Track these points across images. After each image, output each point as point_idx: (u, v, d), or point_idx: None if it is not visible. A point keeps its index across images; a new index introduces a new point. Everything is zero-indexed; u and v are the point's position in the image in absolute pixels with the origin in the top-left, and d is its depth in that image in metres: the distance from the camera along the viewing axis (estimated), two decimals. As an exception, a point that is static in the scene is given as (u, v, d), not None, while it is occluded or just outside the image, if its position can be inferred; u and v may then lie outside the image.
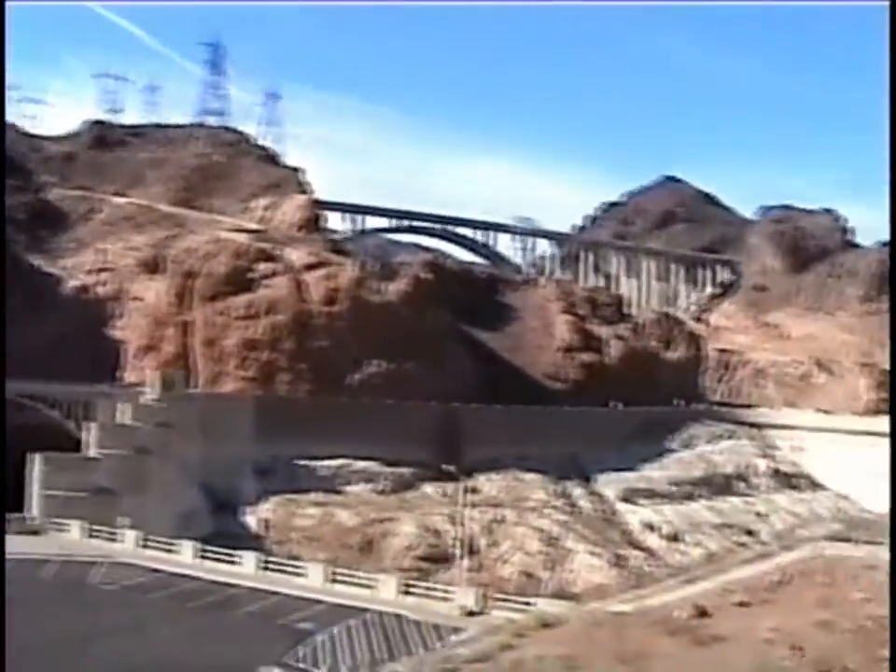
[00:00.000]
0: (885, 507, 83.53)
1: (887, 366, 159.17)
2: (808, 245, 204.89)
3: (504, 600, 46.84)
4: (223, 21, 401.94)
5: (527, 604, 44.61)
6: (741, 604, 37.00)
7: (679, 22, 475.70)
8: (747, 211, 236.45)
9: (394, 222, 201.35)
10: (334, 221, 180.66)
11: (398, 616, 44.37)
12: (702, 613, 35.01)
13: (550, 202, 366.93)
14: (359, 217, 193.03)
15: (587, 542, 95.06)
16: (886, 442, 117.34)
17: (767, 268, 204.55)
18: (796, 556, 45.31)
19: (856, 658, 26.83)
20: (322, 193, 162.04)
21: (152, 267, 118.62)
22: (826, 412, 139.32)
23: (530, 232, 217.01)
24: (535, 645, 30.79)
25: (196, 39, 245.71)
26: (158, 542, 59.25)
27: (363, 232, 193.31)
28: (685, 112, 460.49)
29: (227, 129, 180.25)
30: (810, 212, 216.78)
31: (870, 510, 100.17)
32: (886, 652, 27.87)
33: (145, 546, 58.85)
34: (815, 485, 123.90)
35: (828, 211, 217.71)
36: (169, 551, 58.14)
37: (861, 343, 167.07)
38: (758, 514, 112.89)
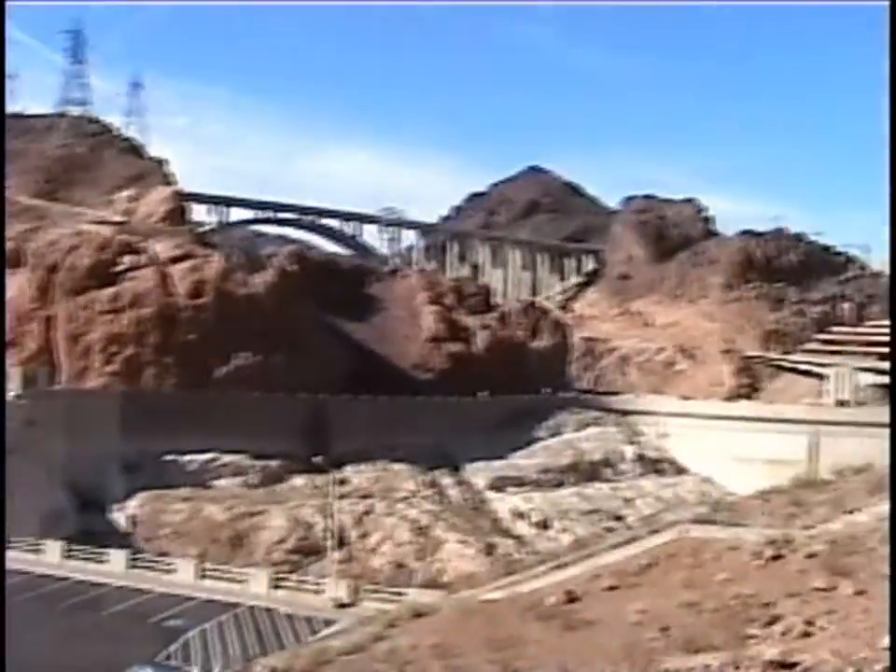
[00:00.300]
0: (747, 489, 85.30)
1: (748, 352, 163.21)
2: (671, 235, 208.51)
3: (376, 591, 46.94)
4: (86, 8, 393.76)
5: (399, 594, 44.75)
6: (610, 588, 37.53)
7: (545, 17, 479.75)
8: (610, 201, 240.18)
9: (260, 214, 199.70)
10: (200, 213, 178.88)
11: (269, 610, 44.19)
12: (572, 598, 35.44)
13: (416, 193, 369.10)
14: (225, 209, 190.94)
15: (457, 531, 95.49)
16: (747, 426, 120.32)
17: (631, 257, 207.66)
18: (662, 540, 46.00)
19: (721, 637, 27.40)
20: (187, 185, 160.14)
21: (13, 261, 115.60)
22: (689, 398, 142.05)
23: (396, 223, 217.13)
24: (407, 635, 30.88)
25: (58, 27, 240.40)
26: (23, 543, 58.00)
27: (229, 224, 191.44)
28: (551, 104, 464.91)
29: (89, 119, 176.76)
30: (672, 202, 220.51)
31: (733, 492, 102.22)
32: (751, 630, 28.56)
33: (9, 548, 57.53)
34: (680, 470, 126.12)
35: (689, 201, 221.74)
36: (35, 551, 56.95)
37: (723, 330, 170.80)
38: (625, 500, 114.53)
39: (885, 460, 78.26)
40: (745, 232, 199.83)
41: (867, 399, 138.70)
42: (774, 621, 29.65)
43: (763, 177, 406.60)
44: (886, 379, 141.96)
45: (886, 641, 25.22)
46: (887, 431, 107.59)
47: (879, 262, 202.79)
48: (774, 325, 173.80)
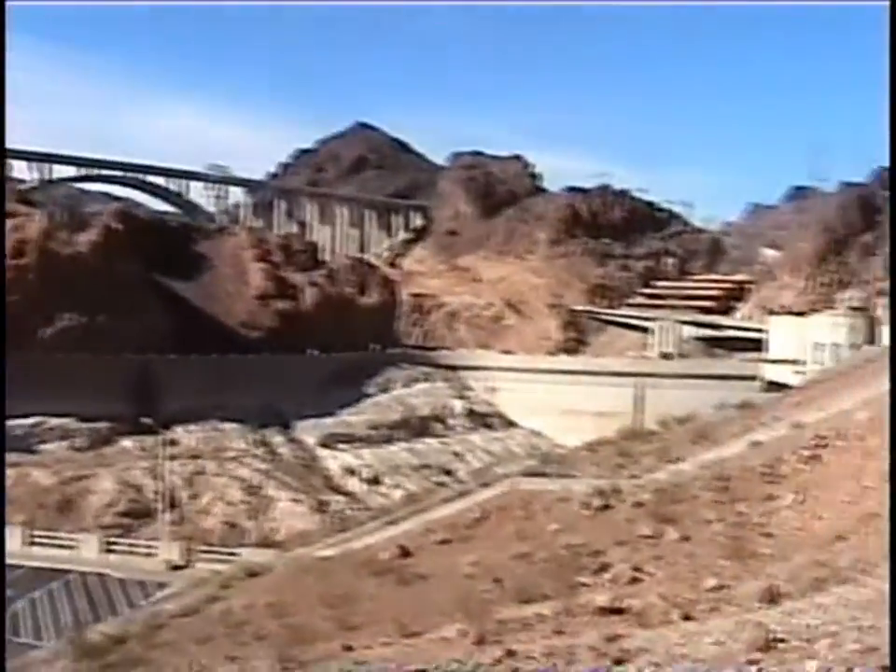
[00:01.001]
0: (575, 441, 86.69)
1: (575, 307, 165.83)
2: (498, 191, 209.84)
3: (209, 552, 46.55)
4: None
5: (232, 554, 44.42)
6: (442, 542, 37.84)
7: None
8: (438, 157, 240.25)
9: (83, 171, 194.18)
10: (20, 170, 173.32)
11: (101, 575, 43.40)
12: (405, 553, 35.62)
13: (242, 150, 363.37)
14: (47, 166, 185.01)
15: (289, 489, 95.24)
16: (574, 380, 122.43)
17: (458, 213, 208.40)
18: (493, 493, 46.54)
19: (553, 586, 27.85)
20: (6, 141, 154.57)
21: None
22: (517, 353, 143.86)
23: (223, 180, 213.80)
24: (242, 595, 30.65)
25: None
26: None
27: (51, 182, 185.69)
28: (377, 59, 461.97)
29: None
30: (499, 158, 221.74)
31: (562, 445, 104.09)
32: (581, 578, 29.14)
33: None
34: (509, 424, 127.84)
35: (516, 157, 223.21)
36: None
37: (550, 285, 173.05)
38: (455, 454, 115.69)
39: (707, 410, 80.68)
40: (571, 189, 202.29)
41: (690, 352, 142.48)
42: (603, 568, 30.31)
43: (589, 134, 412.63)
44: (708, 332, 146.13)
45: (710, 582, 26.00)
46: (709, 382, 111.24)
47: (700, 219, 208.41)
48: (599, 280, 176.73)
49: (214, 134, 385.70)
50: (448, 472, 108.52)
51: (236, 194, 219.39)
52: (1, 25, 42.30)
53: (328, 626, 25.20)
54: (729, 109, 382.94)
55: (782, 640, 13.10)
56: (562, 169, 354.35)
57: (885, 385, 53.73)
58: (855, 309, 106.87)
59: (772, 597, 19.40)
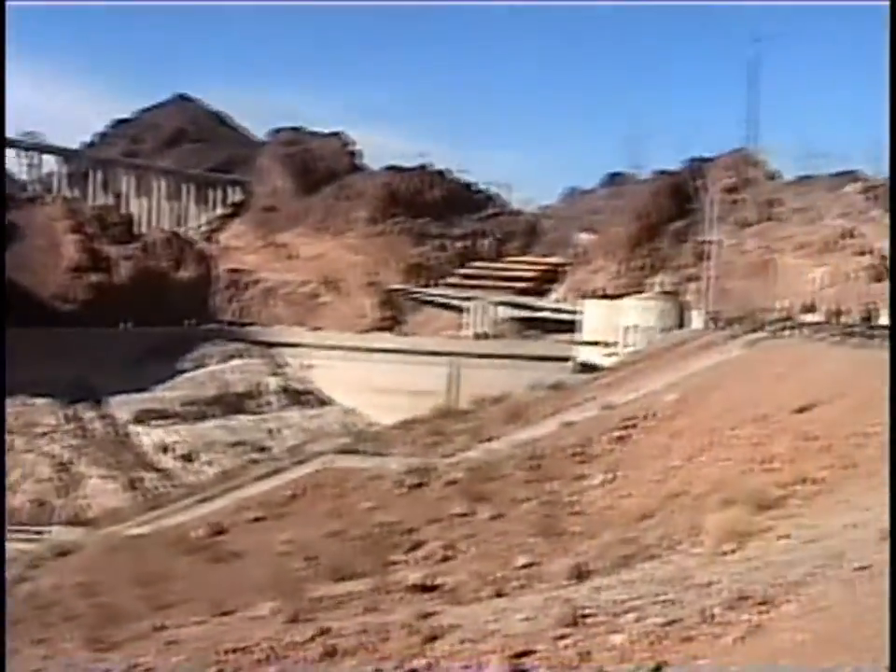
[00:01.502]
0: (390, 419, 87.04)
1: (391, 285, 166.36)
2: (317, 168, 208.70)
3: (17, 531, 45.30)
4: None
5: (41, 532, 43.38)
6: (256, 519, 37.69)
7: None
8: (258, 132, 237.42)
9: None
10: None
11: None
12: (218, 531, 35.36)
13: (58, 117, 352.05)
14: None
15: (100, 466, 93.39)
16: (389, 358, 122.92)
17: (277, 189, 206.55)
18: (308, 470, 46.53)
19: (367, 563, 28.04)
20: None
21: None
22: (332, 330, 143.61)
23: (36, 148, 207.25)
24: (51, 574, 30.00)
25: None
26: None
27: None
28: (199, 30, 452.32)
29: None
30: (319, 134, 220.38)
31: (376, 422, 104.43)
32: (395, 556, 29.39)
33: None
34: (324, 401, 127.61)
35: (336, 134, 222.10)
36: None
37: (367, 264, 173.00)
38: (270, 431, 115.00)
39: (520, 390, 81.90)
40: (391, 168, 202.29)
41: (504, 332, 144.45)
42: (416, 546, 30.65)
43: (410, 114, 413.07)
44: (522, 313, 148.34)
45: (521, 560, 26.49)
46: (523, 363, 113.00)
47: (518, 201, 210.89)
48: (416, 259, 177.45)
49: (27, 101, 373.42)
50: (263, 449, 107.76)
51: (50, 163, 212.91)
52: (1, 25, 41.55)
53: (139, 606, 24.88)
54: (550, 96, 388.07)
55: (589, 615, 13.47)
56: (383, 147, 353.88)
57: (690, 368, 55.58)
58: (665, 293, 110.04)
59: (581, 574, 19.88)
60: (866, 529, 15.79)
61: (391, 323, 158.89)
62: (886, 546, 13.49)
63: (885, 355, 38.11)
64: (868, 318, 56.36)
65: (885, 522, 14.67)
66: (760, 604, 12.60)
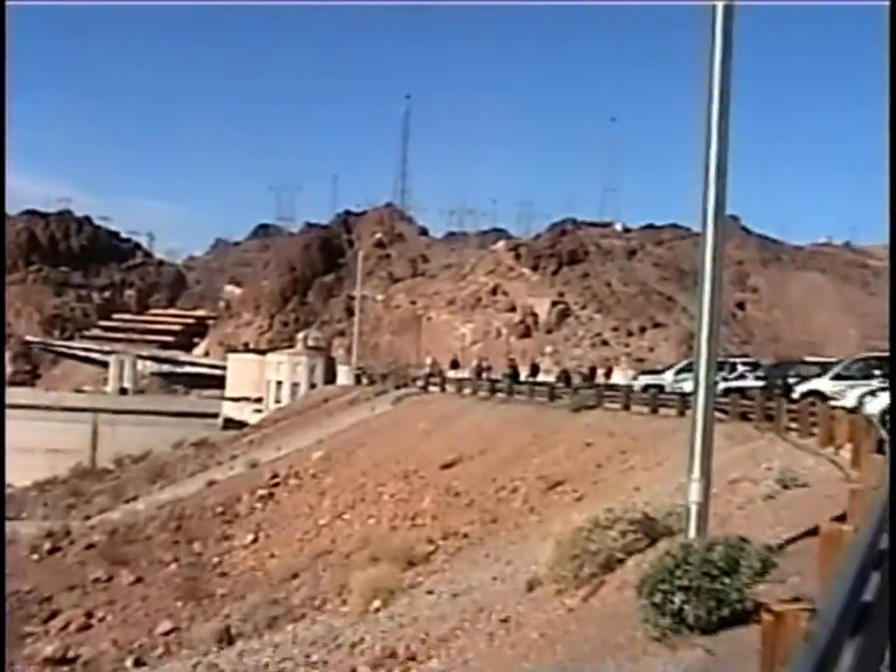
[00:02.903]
0: (26, 480, 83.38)
1: (29, 337, 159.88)
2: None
3: None
4: None
5: None
6: None
7: None
8: None
9: None
10: None
11: None
12: None
13: None
14: None
15: None
16: (26, 414, 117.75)
17: None
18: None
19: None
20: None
21: None
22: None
23: None
24: None
25: None
26: None
27: None
28: None
29: None
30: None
31: (11, 484, 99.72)
32: (29, 627, 27.89)
33: None
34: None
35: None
36: None
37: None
38: None
39: (165, 448, 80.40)
40: (29, 212, 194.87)
41: (148, 388, 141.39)
42: (52, 615, 29.30)
43: (54, 157, 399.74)
44: (167, 367, 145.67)
45: (165, 625, 25.78)
46: (168, 419, 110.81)
47: (164, 251, 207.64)
48: (56, 310, 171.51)
49: None
50: None
51: None
52: (1, 25, 37.99)
53: None
54: (199, 142, 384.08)
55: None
56: (20, 191, 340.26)
57: (338, 425, 55.97)
58: (314, 348, 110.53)
59: (227, 638, 19.57)
60: (508, 582, 16.23)
61: (28, 377, 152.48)
62: (527, 598, 13.91)
63: (527, 409, 39.80)
64: (513, 375, 58.45)
65: (528, 574, 15.10)
66: (406, 660, 12.73)
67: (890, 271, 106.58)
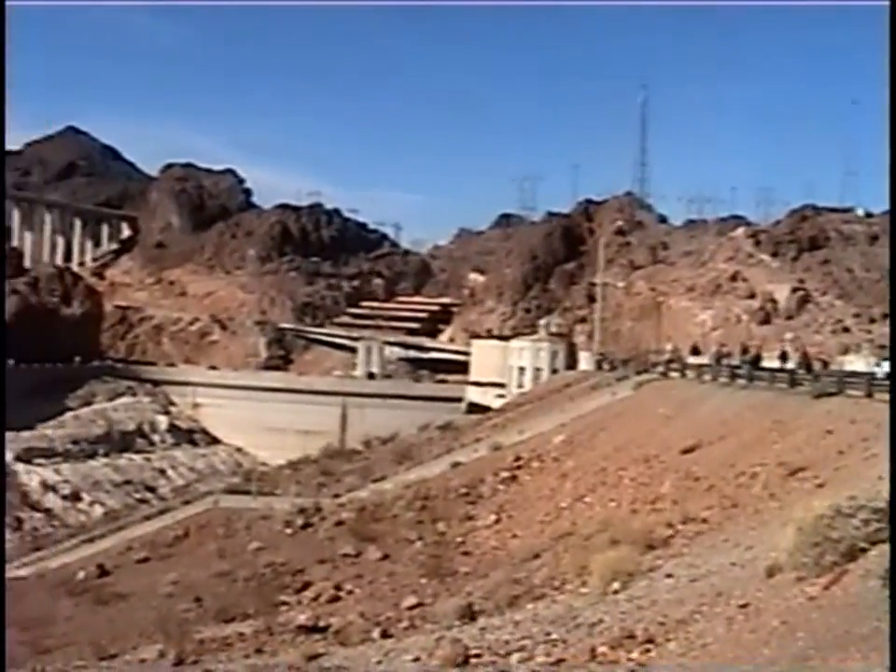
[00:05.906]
0: (279, 459, 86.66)
1: (282, 324, 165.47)
2: (209, 205, 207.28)
3: None
4: None
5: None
6: (142, 560, 37.21)
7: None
8: (150, 168, 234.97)
9: None
10: None
11: None
12: (103, 572, 34.84)
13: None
14: None
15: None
16: (279, 397, 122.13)
17: (168, 225, 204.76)
18: (195, 510, 46.10)
19: (254, 604, 27.84)
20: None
21: None
22: (222, 368, 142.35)
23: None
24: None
25: None
26: None
27: None
28: (94, 63, 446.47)
29: None
30: (211, 172, 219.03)
31: (266, 462, 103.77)
32: (283, 597, 29.20)
33: None
34: (213, 440, 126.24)
35: (229, 171, 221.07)
36: None
37: (258, 302, 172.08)
38: (158, 470, 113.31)
39: (410, 430, 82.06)
40: (282, 206, 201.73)
41: (394, 373, 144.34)
42: (305, 587, 30.51)
43: (303, 152, 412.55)
44: (413, 353, 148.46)
45: (410, 600, 26.54)
46: (414, 403, 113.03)
47: (410, 241, 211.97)
48: (307, 298, 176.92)
49: None
50: (150, 489, 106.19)
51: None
52: (1, 25, 41.29)
53: (20, 651, 24.37)
54: (443, 136, 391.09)
55: (477, 655, 13.59)
56: (275, 185, 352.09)
57: (579, 409, 56.12)
58: (555, 335, 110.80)
59: (469, 614, 19.97)
60: (747, 568, 16.16)
61: (281, 362, 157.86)
62: (767, 585, 13.86)
63: (767, 396, 39.08)
64: (753, 361, 57.34)
65: (768, 560, 15.02)
66: (644, 642, 12.84)
67: (890, 272, 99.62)
